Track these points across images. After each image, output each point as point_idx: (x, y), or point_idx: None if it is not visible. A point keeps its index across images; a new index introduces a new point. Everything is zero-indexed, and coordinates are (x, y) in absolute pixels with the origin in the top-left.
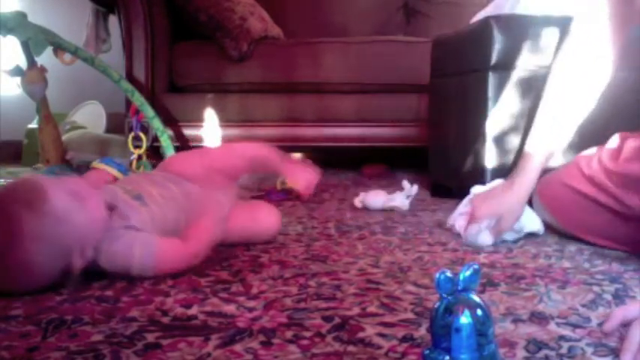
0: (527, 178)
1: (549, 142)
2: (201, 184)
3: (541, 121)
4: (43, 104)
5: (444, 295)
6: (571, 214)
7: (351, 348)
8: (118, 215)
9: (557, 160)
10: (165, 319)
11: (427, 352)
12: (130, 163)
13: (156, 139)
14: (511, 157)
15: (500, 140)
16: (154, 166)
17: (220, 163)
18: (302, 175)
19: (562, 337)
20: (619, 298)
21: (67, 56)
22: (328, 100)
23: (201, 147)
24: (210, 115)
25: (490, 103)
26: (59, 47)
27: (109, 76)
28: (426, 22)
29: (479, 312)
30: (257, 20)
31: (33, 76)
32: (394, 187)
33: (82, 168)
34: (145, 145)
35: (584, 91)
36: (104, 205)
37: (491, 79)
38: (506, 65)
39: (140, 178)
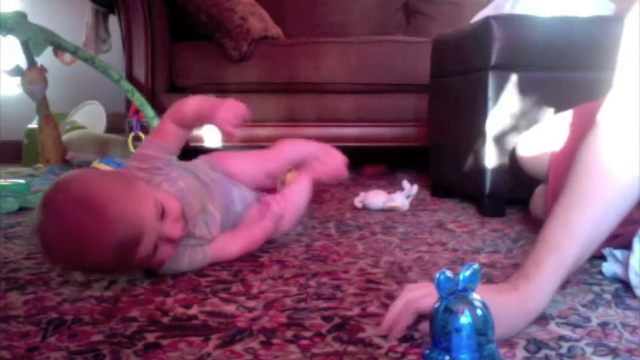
0: (542, 287)
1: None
2: (249, 185)
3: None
4: (43, 104)
5: (444, 295)
6: None
7: (351, 348)
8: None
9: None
10: (166, 319)
11: (427, 352)
12: None
13: None
14: None
15: (500, 140)
16: None
17: (274, 168)
18: (332, 161)
19: (562, 337)
20: (619, 297)
21: (67, 56)
22: (328, 100)
23: (248, 150)
24: None
25: (490, 103)
26: (59, 47)
27: (109, 76)
28: (426, 21)
29: (479, 312)
30: (257, 20)
31: (33, 76)
32: (394, 187)
33: (81, 168)
34: None
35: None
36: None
37: (492, 79)
38: (506, 65)
39: (203, 185)
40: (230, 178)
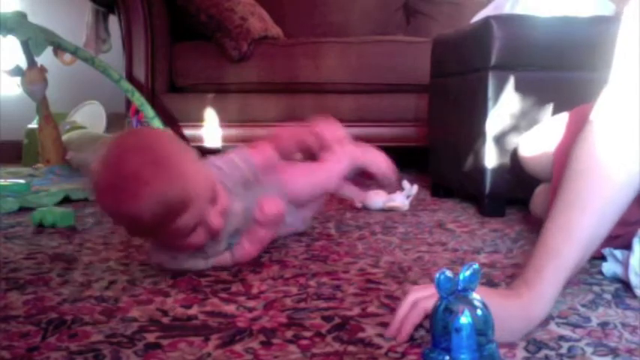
0: (544, 293)
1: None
2: (304, 202)
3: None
4: (43, 104)
5: (444, 295)
6: None
7: (351, 348)
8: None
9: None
10: (166, 319)
11: (427, 352)
12: None
13: None
14: None
15: (500, 140)
16: None
17: (333, 187)
18: (380, 160)
19: (562, 337)
20: (619, 297)
21: (67, 56)
22: (328, 100)
23: (306, 164)
24: (210, 115)
25: (490, 103)
26: (59, 47)
27: (109, 76)
28: (426, 21)
29: (479, 312)
30: (257, 20)
31: (33, 76)
32: (394, 187)
33: (82, 168)
34: None
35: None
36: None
37: (492, 79)
38: (506, 65)
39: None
40: (291, 199)
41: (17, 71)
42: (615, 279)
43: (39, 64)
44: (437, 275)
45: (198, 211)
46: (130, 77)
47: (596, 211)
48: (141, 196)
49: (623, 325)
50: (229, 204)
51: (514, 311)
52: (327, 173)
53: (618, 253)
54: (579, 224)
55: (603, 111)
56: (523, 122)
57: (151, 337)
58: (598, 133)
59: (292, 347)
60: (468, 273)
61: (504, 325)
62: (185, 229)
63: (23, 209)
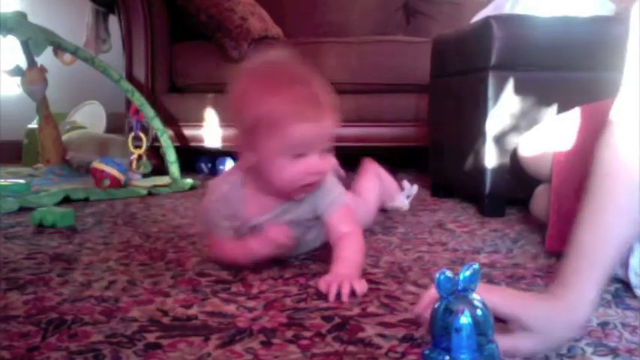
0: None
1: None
2: None
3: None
4: (43, 104)
5: (444, 295)
6: None
7: (351, 348)
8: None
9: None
10: (166, 319)
11: (427, 352)
12: (130, 163)
13: (156, 139)
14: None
15: (500, 140)
16: (154, 166)
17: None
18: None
19: None
20: (619, 297)
21: (67, 56)
22: None
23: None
24: (210, 115)
25: (490, 103)
26: (59, 47)
27: (109, 76)
28: (426, 21)
29: (479, 312)
30: (257, 20)
31: (33, 76)
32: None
33: (82, 168)
34: (145, 145)
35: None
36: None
37: (492, 79)
38: (506, 65)
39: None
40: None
41: (17, 71)
42: (615, 279)
43: (39, 64)
44: (437, 275)
45: (312, 132)
46: (130, 77)
47: (627, 212)
48: (268, 92)
49: (623, 325)
50: (329, 167)
51: (555, 315)
52: (369, 211)
53: None
54: (613, 225)
55: (624, 111)
56: (523, 122)
57: (151, 337)
58: (621, 133)
59: (292, 347)
60: (468, 273)
61: (545, 330)
62: (289, 147)
63: (23, 209)
